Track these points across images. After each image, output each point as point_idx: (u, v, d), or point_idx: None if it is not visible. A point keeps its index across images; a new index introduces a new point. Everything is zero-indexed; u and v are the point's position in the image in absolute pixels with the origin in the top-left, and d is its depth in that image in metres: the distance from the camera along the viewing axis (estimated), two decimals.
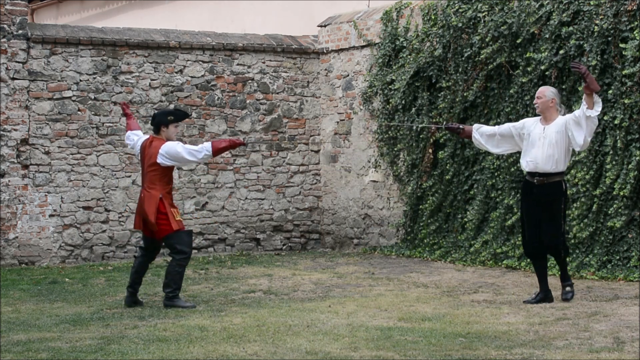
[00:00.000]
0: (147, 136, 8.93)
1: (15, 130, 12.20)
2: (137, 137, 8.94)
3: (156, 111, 9.01)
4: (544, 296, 8.53)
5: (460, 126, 9.03)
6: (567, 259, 8.86)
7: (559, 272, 8.78)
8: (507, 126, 8.80)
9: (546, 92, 8.53)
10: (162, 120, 8.73)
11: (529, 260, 10.69)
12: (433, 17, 12.26)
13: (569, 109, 10.56)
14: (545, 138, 8.41)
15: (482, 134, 8.82)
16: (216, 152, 8.63)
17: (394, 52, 12.88)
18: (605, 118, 10.13)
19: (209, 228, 13.41)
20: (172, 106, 13.07)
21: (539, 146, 8.42)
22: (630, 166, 9.90)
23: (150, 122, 8.91)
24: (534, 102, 8.62)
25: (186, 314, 8.24)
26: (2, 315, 8.34)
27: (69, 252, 12.52)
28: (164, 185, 8.63)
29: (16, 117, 12.21)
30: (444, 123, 9.04)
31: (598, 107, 8.20)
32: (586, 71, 8.11)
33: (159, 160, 8.58)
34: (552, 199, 8.45)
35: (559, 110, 8.55)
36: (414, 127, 8.70)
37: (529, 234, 8.60)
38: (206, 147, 8.61)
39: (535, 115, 8.81)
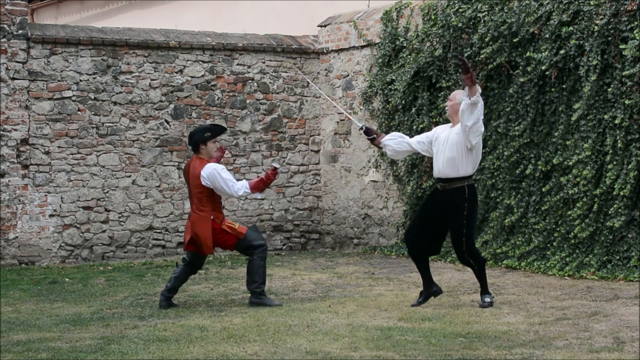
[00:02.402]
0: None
1: (15, 130, 12.20)
2: None
3: (193, 130, 8.98)
4: (428, 293, 8.40)
5: (375, 135, 8.67)
6: (485, 269, 8.42)
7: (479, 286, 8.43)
8: (419, 140, 8.55)
9: (457, 96, 8.28)
10: (200, 138, 8.67)
11: (528, 260, 10.71)
12: (433, 17, 12.26)
13: (569, 109, 10.57)
14: (448, 141, 8.19)
15: (392, 145, 8.54)
16: (255, 190, 8.70)
17: (394, 52, 12.88)
18: (605, 118, 10.14)
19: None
20: (172, 106, 13.09)
21: (442, 150, 8.21)
22: (630, 166, 9.90)
23: (187, 142, 8.88)
24: (445, 104, 8.41)
25: (186, 314, 8.24)
26: (2, 315, 8.34)
27: (69, 252, 12.52)
28: (213, 205, 8.63)
29: (16, 117, 12.21)
30: (363, 125, 8.84)
31: (477, 95, 7.96)
32: (464, 63, 7.90)
33: (203, 182, 8.57)
34: (453, 207, 8.16)
35: None
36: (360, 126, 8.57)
37: (413, 233, 8.38)
38: (245, 186, 8.66)
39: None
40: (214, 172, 8.54)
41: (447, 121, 11.85)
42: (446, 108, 8.47)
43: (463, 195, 8.15)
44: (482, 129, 8.20)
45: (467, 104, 8.02)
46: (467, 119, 8.05)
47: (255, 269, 8.66)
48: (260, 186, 8.72)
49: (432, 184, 8.78)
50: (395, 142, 8.60)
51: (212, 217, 8.58)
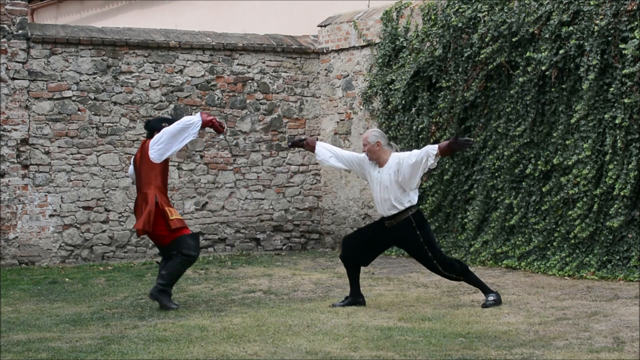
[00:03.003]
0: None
1: (15, 130, 12.20)
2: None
3: (151, 119, 9.03)
4: (354, 300, 8.46)
5: (302, 139, 8.69)
6: (470, 272, 8.48)
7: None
8: (349, 156, 8.48)
9: (369, 138, 8.24)
10: (156, 126, 8.76)
11: (528, 260, 10.71)
12: (433, 17, 12.26)
13: (569, 109, 10.57)
14: (381, 183, 8.18)
15: (325, 155, 8.49)
16: (205, 123, 8.64)
17: (394, 52, 12.88)
18: (605, 118, 10.13)
19: (209, 228, 13.41)
20: (172, 106, 13.08)
21: (377, 191, 8.21)
22: (630, 166, 9.90)
23: (144, 127, 8.94)
24: (362, 149, 8.35)
25: (186, 314, 8.24)
26: (2, 315, 8.34)
27: (69, 252, 12.52)
28: (158, 184, 8.58)
29: (16, 117, 12.21)
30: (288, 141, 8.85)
31: (434, 161, 8.06)
32: (457, 143, 8.00)
33: (151, 155, 8.57)
34: (407, 237, 8.23)
35: (390, 148, 8.31)
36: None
37: (355, 247, 8.39)
38: (192, 117, 8.67)
39: None
40: (159, 133, 8.57)
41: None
42: (365, 154, 8.28)
43: (411, 225, 8.19)
44: None
45: (428, 165, 8.03)
46: (418, 177, 8.09)
47: (173, 270, 8.57)
48: (207, 122, 8.68)
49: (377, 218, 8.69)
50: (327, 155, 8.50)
51: (155, 195, 8.51)
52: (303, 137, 8.74)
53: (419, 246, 8.22)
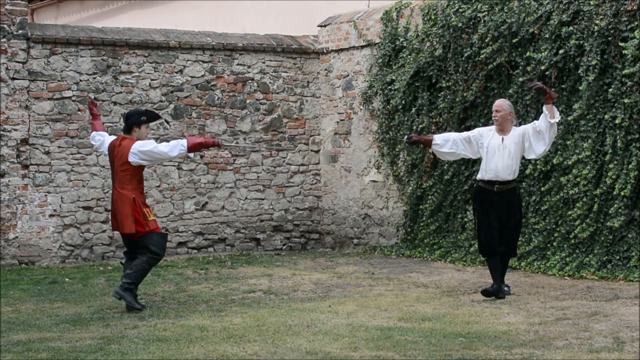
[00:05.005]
0: (114, 137, 8.92)
1: (15, 130, 12.20)
2: (102, 138, 8.95)
3: (127, 111, 8.99)
4: (498, 288, 8.86)
5: (422, 139, 9.51)
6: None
7: (501, 272, 9.05)
8: (465, 134, 9.19)
9: (504, 106, 8.98)
10: (136, 120, 8.72)
11: (528, 260, 10.71)
12: (433, 17, 12.26)
13: (569, 109, 10.57)
14: (505, 149, 8.89)
15: (443, 146, 9.16)
16: (191, 148, 8.57)
17: (394, 52, 12.88)
18: (605, 118, 10.14)
19: (209, 228, 13.41)
20: (172, 106, 13.09)
21: (499, 156, 8.88)
22: (630, 166, 9.90)
23: (122, 120, 8.88)
24: (493, 115, 9.02)
25: (186, 314, 8.24)
26: (2, 315, 8.34)
27: (69, 252, 12.52)
28: (135, 185, 8.60)
29: (16, 117, 12.21)
30: (405, 137, 9.55)
31: (558, 114, 8.78)
32: (542, 85, 8.78)
33: (131, 159, 8.56)
34: (511, 203, 8.95)
35: (513, 122, 9.04)
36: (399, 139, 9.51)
37: (487, 237, 8.94)
38: (181, 143, 8.58)
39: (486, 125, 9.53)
40: (144, 143, 8.57)
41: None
42: (495, 118, 8.97)
43: (517, 193, 9.08)
44: None
45: (550, 124, 8.74)
46: (549, 143, 8.85)
47: (139, 269, 8.58)
48: (197, 142, 8.62)
49: (477, 186, 9.18)
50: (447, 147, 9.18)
51: (133, 197, 8.53)
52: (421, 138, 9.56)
53: (518, 213, 9.01)
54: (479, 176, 9.09)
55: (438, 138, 9.19)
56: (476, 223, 9.21)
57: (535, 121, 8.96)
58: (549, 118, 8.71)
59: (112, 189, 8.78)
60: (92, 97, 12.45)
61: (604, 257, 10.06)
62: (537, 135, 8.81)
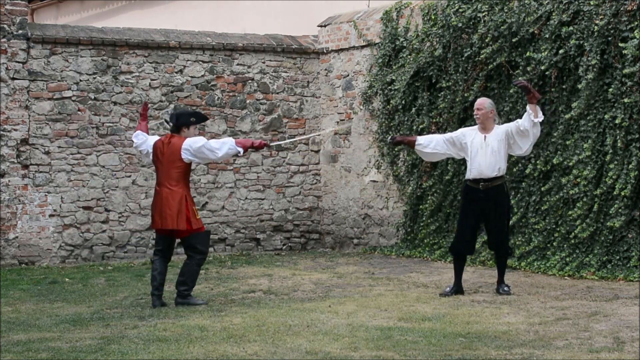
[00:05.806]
0: (156, 137, 8.92)
1: (15, 130, 12.20)
2: (145, 137, 8.93)
3: (176, 111, 9.01)
4: (458, 289, 9.10)
5: (405, 139, 9.70)
6: (511, 260, 9.20)
7: (498, 273, 9.24)
8: (449, 135, 9.30)
9: (485, 104, 9.08)
10: (186, 121, 8.74)
11: (528, 260, 10.71)
12: (433, 17, 12.26)
13: (569, 109, 10.57)
14: (488, 146, 8.97)
15: (426, 146, 9.26)
16: (244, 149, 8.71)
17: (394, 52, 12.88)
18: (605, 118, 10.13)
19: (209, 228, 13.40)
20: (172, 106, 13.09)
21: (482, 154, 8.96)
22: (630, 166, 9.90)
23: (170, 120, 8.84)
24: (475, 113, 9.12)
25: (186, 314, 8.24)
26: (2, 315, 8.34)
27: (69, 252, 12.52)
28: (186, 182, 8.67)
29: (16, 117, 12.21)
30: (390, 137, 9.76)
31: (541, 114, 8.88)
32: (527, 84, 8.88)
33: (183, 155, 8.59)
34: (498, 201, 9.00)
35: (495, 120, 9.14)
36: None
37: (460, 237, 9.09)
38: (230, 142, 8.66)
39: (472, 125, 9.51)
40: (196, 140, 8.62)
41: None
42: (477, 116, 9.07)
43: (504, 191, 9.06)
44: None
45: (532, 123, 8.81)
46: (533, 141, 8.94)
47: (191, 273, 8.72)
48: (248, 148, 8.76)
49: (464, 185, 9.33)
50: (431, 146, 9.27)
51: (185, 194, 8.57)
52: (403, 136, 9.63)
53: (503, 211, 9.02)
54: (466, 176, 9.20)
55: (421, 139, 9.30)
56: (457, 221, 9.32)
57: (518, 120, 9.06)
58: (533, 117, 8.80)
59: (157, 186, 8.71)
60: (93, 97, 12.46)
61: (604, 257, 10.06)
62: (522, 134, 8.92)
